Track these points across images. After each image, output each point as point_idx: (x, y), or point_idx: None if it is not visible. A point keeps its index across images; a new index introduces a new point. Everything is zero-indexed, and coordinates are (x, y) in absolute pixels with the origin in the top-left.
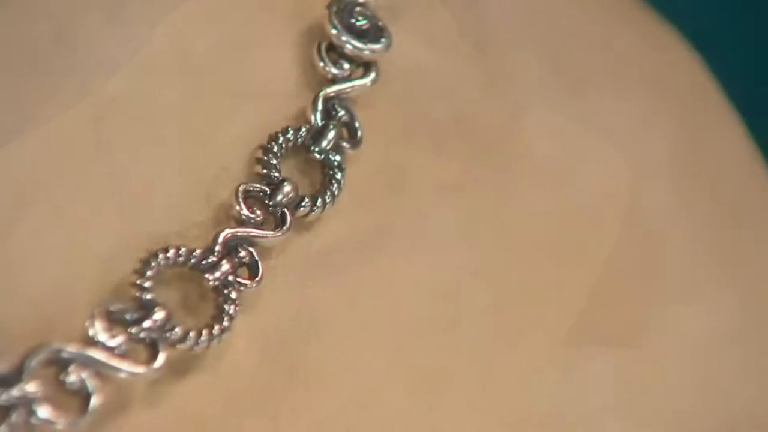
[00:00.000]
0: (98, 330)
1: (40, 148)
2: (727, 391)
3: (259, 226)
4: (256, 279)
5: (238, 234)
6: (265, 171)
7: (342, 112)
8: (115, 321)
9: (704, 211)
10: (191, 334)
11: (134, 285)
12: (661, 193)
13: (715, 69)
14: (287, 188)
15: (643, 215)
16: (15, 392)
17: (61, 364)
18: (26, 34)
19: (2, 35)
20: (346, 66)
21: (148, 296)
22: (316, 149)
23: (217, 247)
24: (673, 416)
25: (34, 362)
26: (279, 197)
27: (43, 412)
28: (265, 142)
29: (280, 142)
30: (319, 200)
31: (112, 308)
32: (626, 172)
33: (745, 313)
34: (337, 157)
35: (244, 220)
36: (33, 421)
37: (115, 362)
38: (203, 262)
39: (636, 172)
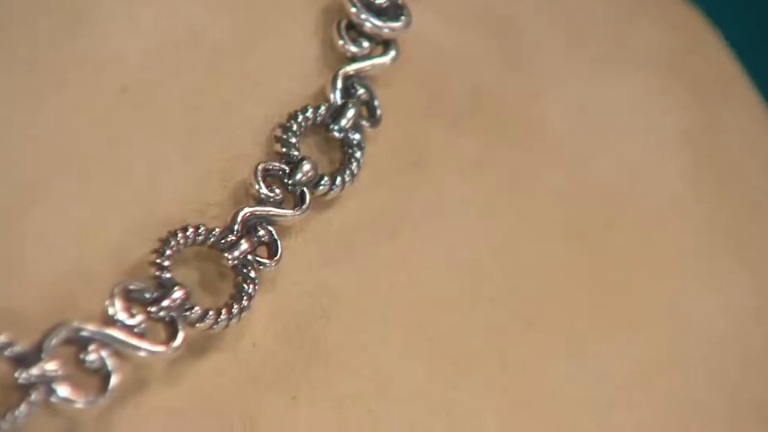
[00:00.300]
0: (118, 309)
1: (56, 132)
2: (739, 377)
3: (278, 204)
4: (276, 258)
5: (257, 213)
6: (284, 149)
7: (361, 91)
8: (134, 300)
9: (720, 192)
10: (210, 313)
11: (153, 264)
12: (677, 174)
13: (738, 49)
14: (306, 167)
15: (659, 195)
16: (35, 371)
17: (80, 344)
18: (39, 24)
19: (14, 24)
20: (366, 44)
21: (167, 275)
22: (336, 128)
23: (236, 226)
24: (687, 400)
25: (53, 341)
26: (298, 176)
27: (63, 391)
28: (284, 120)
29: (299, 120)
30: (339, 179)
31: (132, 287)
32: (643, 151)
33: (758, 299)
34: (357, 136)
35: (263, 199)
36: (53, 399)
37: (134, 341)
38: (222, 241)
39: (652, 152)
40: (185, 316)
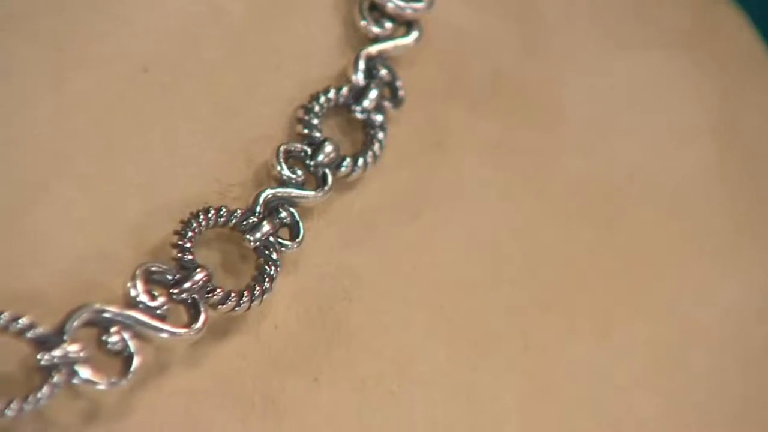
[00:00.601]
0: (140, 291)
1: (77, 112)
2: (754, 367)
3: (300, 186)
4: (297, 239)
5: (279, 194)
6: (306, 131)
7: (384, 72)
8: (156, 282)
9: (742, 176)
10: (232, 295)
11: (175, 246)
12: (699, 159)
13: (762, 29)
14: (328, 148)
15: (680, 179)
16: (57, 353)
17: (102, 326)
18: (61, 3)
19: (37, 3)
20: (388, 25)
21: (189, 257)
22: (358, 109)
23: (258, 208)
24: (703, 389)
25: (75, 323)
26: (320, 157)
27: (85, 372)
28: (306, 101)
29: (321, 101)
30: (361, 160)
31: (153, 269)
32: (665, 135)
33: None
34: (379, 117)
35: (285, 180)
36: (75, 381)
37: (156, 323)
38: (244, 223)
39: (675, 136)
40: (207, 298)
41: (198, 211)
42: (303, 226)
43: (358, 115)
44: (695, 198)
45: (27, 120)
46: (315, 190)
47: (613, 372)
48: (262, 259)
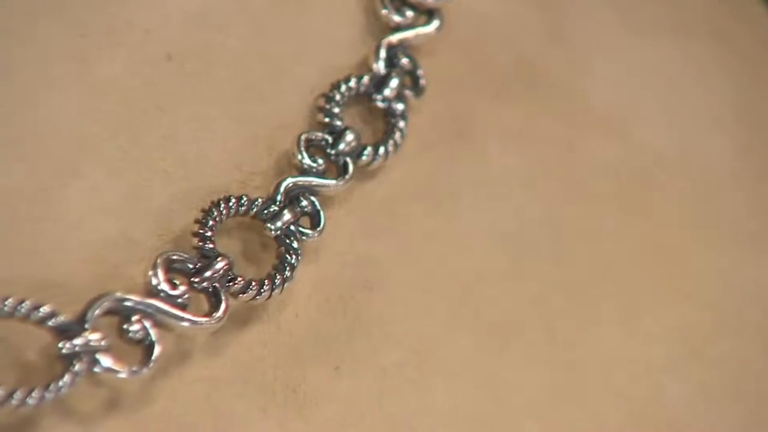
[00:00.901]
0: (161, 279)
1: (101, 100)
2: None
3: (321, 175)
4: (318, 228)
5: (300, 183)
6: (327, 119)
7: (405, 60)
8: (177, 271)
9: (765, 165)
10: (253, 284)
11: (196, 234)
12: (722, 146)
13: None
14: (349, 137)
15: (705, 165)
16: (78, 341)
17: (123, 314)
18: None
19: None
20: (409, 13)
21: (210, 246)
22: (379, 97)
23: (279, 197)
24: (729, 374)
25: (97, 312)
26: (341, 146)
27: (106, 361)
28: (327, 90)
29: (342, 90)
30: (382, 149)
31: (174, 258)
32: (688, 123)
33: None
34: (400, 106)
35: (305, 169)
36: (96, 370)
37: (177, 312)
38: (265, 212)
39: (698, 123)
40: (228, 286)
41: (219, 200)
42: (324, 214)
43: (379, 104)
44: (718, 184)
45: (52, 108)
46: (336, 178)
47: (638, 360)
48: (283, 248)
